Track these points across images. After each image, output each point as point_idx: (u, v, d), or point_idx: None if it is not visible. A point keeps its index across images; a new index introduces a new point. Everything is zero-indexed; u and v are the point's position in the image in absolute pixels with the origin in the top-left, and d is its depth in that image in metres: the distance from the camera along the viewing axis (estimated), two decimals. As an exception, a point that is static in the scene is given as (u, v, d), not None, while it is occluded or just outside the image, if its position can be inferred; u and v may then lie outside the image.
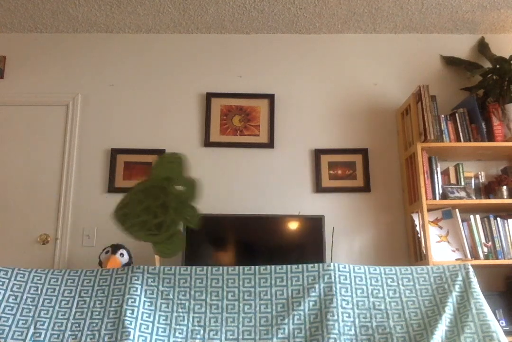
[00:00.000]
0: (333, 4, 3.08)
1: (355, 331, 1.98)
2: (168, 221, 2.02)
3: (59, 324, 1.99)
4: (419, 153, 2.87)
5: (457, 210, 2.87)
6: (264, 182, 3.12)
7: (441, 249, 2.80)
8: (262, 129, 3.21)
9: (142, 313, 2.00)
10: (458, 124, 2.99)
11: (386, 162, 3.18)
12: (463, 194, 2.89)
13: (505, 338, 1.94)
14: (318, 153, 3.16)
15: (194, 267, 2.14)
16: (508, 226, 2.87)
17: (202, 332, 1.98)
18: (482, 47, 3.34)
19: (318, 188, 3.10)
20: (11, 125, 3.21)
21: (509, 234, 2.85)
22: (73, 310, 2.03)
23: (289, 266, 2.13)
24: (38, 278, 2.12)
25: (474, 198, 2.92)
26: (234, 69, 3.34)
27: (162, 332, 1.98)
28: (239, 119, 3.23)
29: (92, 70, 3.32)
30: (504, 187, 2.92)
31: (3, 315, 2.00)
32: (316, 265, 2.13)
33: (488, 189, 2.99)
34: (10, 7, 3.10)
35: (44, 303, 2.05)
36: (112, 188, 3.08)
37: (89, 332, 1.96)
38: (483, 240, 2.83)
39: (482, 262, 2.76)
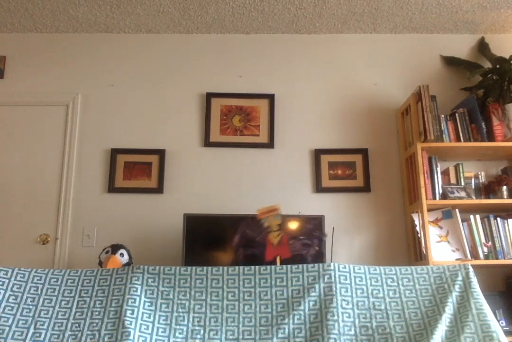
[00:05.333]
0: (333, 4, 3.08)
1: (355, 331, 1.98)
2: None
3: (59, 324, 1.99)
4: (419, 153, 2.87)
5: (457, 210, 2.87)
6: (264, 182, 3.12)
7: (441, 249, 2.80)
8: (262, 129, 3.21)
9: (142, 313, 2.00)
10: (458, 124, 2.99)
11: (386, 162, 3.18)
12: (463, 194, 2.89)
13: (505, 338, 1.94)
14: (318, 153, 3.16)
15: (194, 267, 2.14)
16: (508, 226, 2.87)
17: (202, 332, 1.98)
18: (482, 47, 3.34)
19: (318, 188, 3.10)
20: (11, 125, 3.21)
21: (509, 234, 2.85)
22: (73, 310, 2.03)
23: (289, 266, 2.13)
24: (38, 278, 2.12)
25: (474, 198, 2.92)
26: (234, 69, 3.34)
27: (162, 332, 1.98)
28: (239, 119, 3.23)
29: (92, 70, 3.32)
30: (504, 187, 2.92)
31: (3, 315, 2.00)
32: (316, 265, 2.13)
33: (488, 189, 2.99)
34: (10, 7, 3.10)
35: (44, 303, 2.05)
36: (112, 188, 3.08)
37: (89, 332, 1.96)
38: (483, 240, 2.84)
39: (482, 262, 2.76)
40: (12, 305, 2.03)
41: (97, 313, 2.01)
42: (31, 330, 1.97)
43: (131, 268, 2.13)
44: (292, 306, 2.03)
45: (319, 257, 2.63)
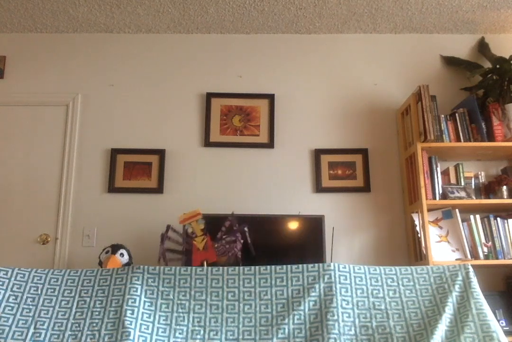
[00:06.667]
0: (333, 4, 3.08)
1: (355, 331, 1.98)
2: None
3: (59, 324, 1.99)
4: (419, 153, 2.87)
5: (457, 210, 2.87)
6: (264, 182, 3.12)
7: (441, 249, 2.80)
8: (262, 129, 3.21)
9: (142, 313, 2.00)
10: (458, 124, 2.99)
11: (386, 162, 3.18)
12: (463, 194, 2.89)
13: (505, 338, 1.94)
14: (318, 153, 3.16)
15: (194, 267, 2.14)
16: (508, 226, 2.87)
17: (202, 332, 1.98)
18: (482, 47, 3.34)
19: (318, 188, 3.10)
20: (11, 125, 3.20)
21: (509, 234, 2.85)
22: (73, 310, 2.04)
23: (289, 266, 2.13)
24: (38, 278, 2.12)
25: (474, 198, 2.92)
26: (234, 69, 3.33)
27: (162, 332, 1.98)
28: (239, 119, 3.23)
29: (92, 70, 3.32)
30: (504, 187, 2.92)
31: (3, 315, 2.00)
32: (316, 265, 2.13)
33: (488, 189, 2.99)
34: (10, 7, 3.10)
35: (44, 303, 2.06)
36: (112, 188, 3.08)
37: (89, 332, 1.96)
38: (483, 240, 2.84)
39: (482, 262, 2.76)
40: (12, 305, 2.03)
41: (97, 313, 2.02)
42: (31, 330, 1.97)
43: (131, 268, 2.13)
44: (292, 306, 2.03)
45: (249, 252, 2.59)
